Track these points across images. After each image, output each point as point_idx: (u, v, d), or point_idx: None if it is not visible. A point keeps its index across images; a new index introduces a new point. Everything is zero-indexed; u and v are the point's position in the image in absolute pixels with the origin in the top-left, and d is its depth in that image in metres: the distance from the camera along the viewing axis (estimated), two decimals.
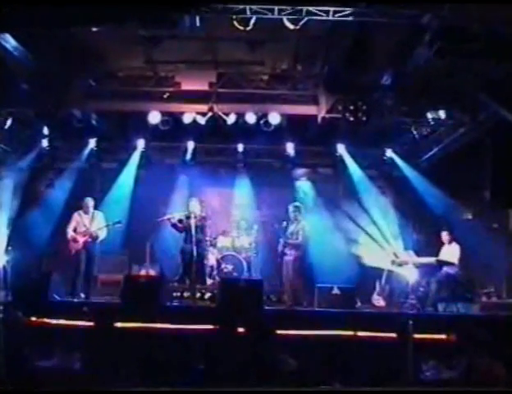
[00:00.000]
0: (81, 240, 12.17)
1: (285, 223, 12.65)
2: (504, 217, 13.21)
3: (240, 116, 13.53)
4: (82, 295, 11.84)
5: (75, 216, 12.47)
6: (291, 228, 12.59)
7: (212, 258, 14.32)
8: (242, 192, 16.18)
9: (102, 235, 12.39)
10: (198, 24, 9.31)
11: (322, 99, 12.79)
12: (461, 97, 11.95)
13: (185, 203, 12.81)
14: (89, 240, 12.19)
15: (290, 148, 15.25)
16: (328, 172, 16.52)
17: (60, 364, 8.09)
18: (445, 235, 12.44)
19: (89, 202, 12.57)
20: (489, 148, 12.54)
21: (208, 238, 13.85)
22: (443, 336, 9.16)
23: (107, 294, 12.34)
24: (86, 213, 12.44)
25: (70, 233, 12.27)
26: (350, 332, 9.26)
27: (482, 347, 6.76)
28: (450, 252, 12.17)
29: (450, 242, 12.33)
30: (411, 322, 8.70)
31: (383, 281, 13.67)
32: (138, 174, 15.55)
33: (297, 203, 12.95)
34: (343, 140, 15.04)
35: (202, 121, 13.40)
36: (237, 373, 7.74)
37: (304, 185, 16.20)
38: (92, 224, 12.36)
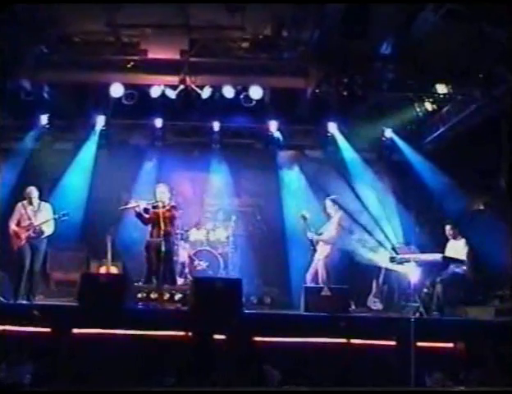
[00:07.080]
0: (24, 235, 12.07)
1: None
2: None
3: (217, 89, 13.52)
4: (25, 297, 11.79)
5: (19, 207, 12.32)
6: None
7: (183, 254, 14.33)
8: (218, 177, 16.12)
9: (49, 230, 12.28)
10: None
11: (311, 71, 12.76)
12: (472, 68, 11.99)
13: (151, 190, 12.72)
14: (33, 235, 12.09)
15: (273, 126, 15.21)
16: (318, 155, 16.42)
17: (6, 379, 8.07)
18: (448, 230, 12.49)
19: (33, 192, 12.44)
20: (504, 128, 12.56)
21: (178, 231, 13.84)
22: (450, 345, 9.24)
23: (62, 295, 12.34)
24: (30, 203, 12.34)
25: (12, 227, 12.16)
26: (343, 340, 9.31)
27: (495, 358, 6.82)
28: (457, 248, 12.22)
29: (455, 237, 12.40)
30: (413, 328, 8.77)
31: (381, 280, 13.76)
32: (97, 156, 15.39)
33: (334, 197, 13.07)
34: (335, 118, 15.00)
35: (172, 94, 13.35)
36: (212, 386, 7.77)
37: (289, 170, 16.17)
38: (37, 217, 12.25)
